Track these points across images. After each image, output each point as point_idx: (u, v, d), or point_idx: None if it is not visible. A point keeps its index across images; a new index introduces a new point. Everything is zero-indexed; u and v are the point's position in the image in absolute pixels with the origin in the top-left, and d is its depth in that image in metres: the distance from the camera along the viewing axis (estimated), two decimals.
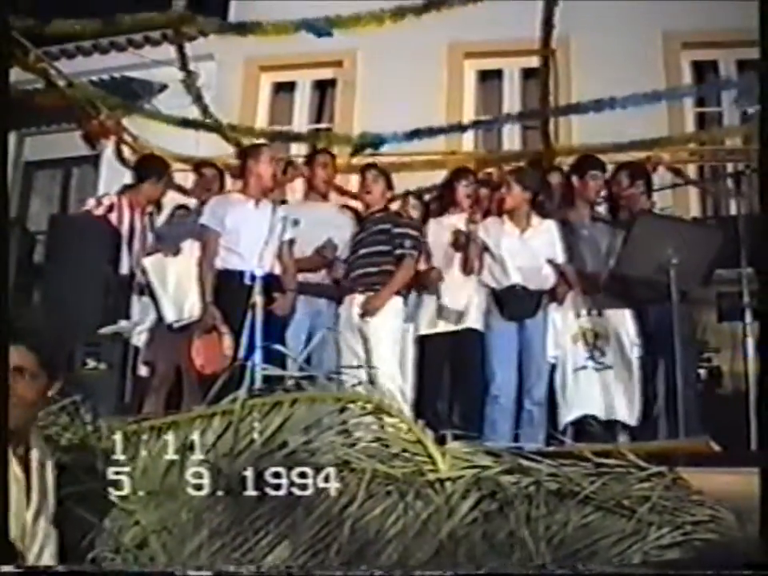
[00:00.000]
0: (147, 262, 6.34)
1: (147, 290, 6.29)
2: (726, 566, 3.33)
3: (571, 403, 6.06)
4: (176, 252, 6.32)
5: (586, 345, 6.15)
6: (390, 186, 6.56)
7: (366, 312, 6.08)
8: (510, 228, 6.31)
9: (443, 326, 6.21)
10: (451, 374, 6.21)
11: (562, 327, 6.21)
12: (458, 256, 6.32)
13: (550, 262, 6.26)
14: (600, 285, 6.20)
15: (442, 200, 6.83)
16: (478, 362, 6.14)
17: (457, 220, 6.43)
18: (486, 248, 6.28)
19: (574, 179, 6.59)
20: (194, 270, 6.13)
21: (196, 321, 6.06)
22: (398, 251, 6.20)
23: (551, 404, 6.11)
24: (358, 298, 6.16)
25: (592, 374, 6.11)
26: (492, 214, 6.51)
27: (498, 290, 6.22)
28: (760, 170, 3.97)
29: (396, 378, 5.90)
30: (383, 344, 6.04)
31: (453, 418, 5.90)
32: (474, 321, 6.21)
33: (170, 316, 6.21)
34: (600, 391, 6.08)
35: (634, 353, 6.08)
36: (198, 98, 7.97)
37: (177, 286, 6.21)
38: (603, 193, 6.67)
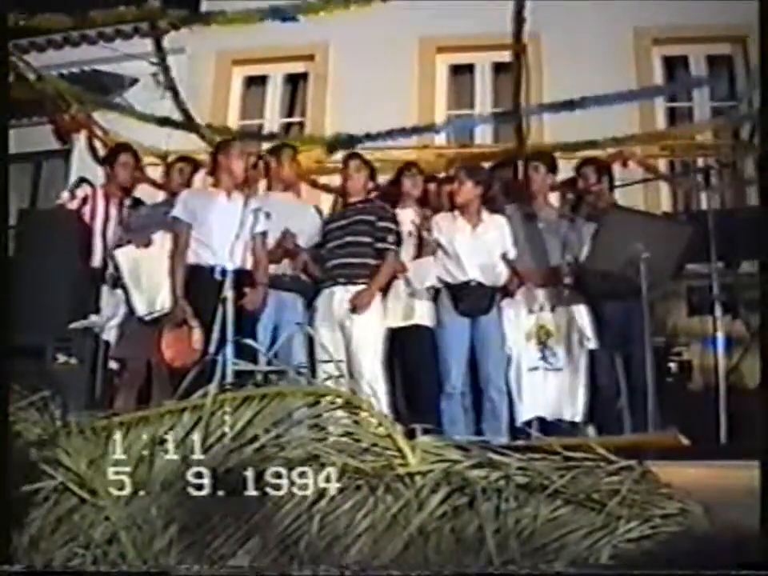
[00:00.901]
0: (119, 253, 6.28)
1: (119, 282, 6.26)
2: (719, 563, 3.34)
3: (525, 403, 6.02)
4: (147, 244, 6.26)
5: (538, 343, 6.12)
6: (372, 177, 6.58)
7: (356, 307, 6.05)
8: (462, 223, 6.29)
9: (392, 322, 6.17)
10: (402, 372, 6.16)
11: (516, 323, 6.18)
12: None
13: (503, 256, 6.24)
14: (558, 280, 6.18)
15: (390, 195, 6.76)
16: (429, 358, 6.09)
17: (406, 215, 6.43)
18: (438, 244, 6.25)
19: (522, 173, 6.63)
20: (166, 263, 6.10)
21: (167, 313, 6.03)
22: (380, 245, 6.20)
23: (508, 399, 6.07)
24: (340, 290, 6.14)
25: (544, 374, 6.08)
26: (444, 210, 6.50)
27: (453, 285, 6.17)
28: (760, 163, 4.02)
29: (379, 381, 5.89)
30: (367, 345, 6.03)
31: (412, 416, 5.77)
32: (422, 317, 6.17)
33: (141, 309, 6.14)
34: (551, 393, 6.05)
35: (589, 345, 6.04)
36: (174, 94, 7.91)
37: (149, 278, 6.15)
38: (554, 192, 6.70)
